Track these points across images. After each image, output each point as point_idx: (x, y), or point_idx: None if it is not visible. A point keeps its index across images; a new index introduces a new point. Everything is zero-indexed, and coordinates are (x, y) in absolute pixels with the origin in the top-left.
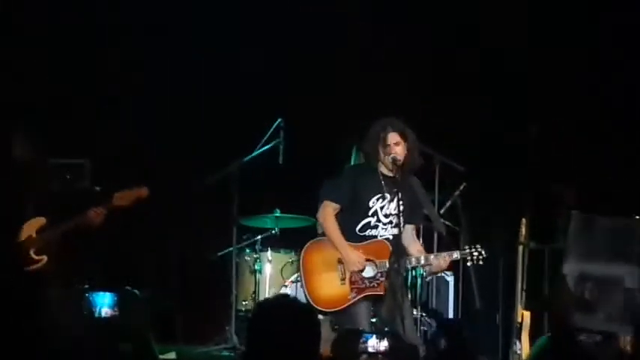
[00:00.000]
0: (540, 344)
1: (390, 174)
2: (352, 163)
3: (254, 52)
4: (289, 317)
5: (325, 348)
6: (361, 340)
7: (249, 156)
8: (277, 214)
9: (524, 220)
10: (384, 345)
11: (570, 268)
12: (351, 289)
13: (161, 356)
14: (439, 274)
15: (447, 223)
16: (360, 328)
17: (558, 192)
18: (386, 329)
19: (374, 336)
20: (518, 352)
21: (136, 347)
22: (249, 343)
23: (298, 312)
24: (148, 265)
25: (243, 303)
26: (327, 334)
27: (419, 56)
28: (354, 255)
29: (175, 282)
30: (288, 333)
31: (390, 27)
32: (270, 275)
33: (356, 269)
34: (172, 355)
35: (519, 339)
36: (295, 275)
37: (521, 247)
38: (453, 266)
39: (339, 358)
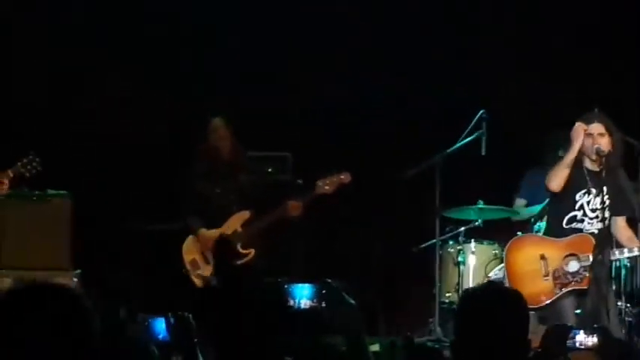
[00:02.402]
0: None
1: (595, 168)
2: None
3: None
4: (497, 301)
5: (532, 340)
6: (570, 335)
7: (452, 148)
8: (480, 206)
9: None
10: (592, 341)
11: None
12: (555, 284)
13: None
14: None
15: None
16: (569, 324)
17: None
18: (595, 325)
19: (582, 331)
20: None
21: (349, 340)
22: (457, 330)
23: (506, 296)
24: (351, 257)
25: (447, 295)
26: (533, 327)
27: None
28: (574, 132)
29: (378, 274)
30: (497, 317)
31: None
32: (474, 267)
33: (579, 133)
34: (376, 347)
35: None
36: (497, 268)
37: None
38: None
39: (548, 352)
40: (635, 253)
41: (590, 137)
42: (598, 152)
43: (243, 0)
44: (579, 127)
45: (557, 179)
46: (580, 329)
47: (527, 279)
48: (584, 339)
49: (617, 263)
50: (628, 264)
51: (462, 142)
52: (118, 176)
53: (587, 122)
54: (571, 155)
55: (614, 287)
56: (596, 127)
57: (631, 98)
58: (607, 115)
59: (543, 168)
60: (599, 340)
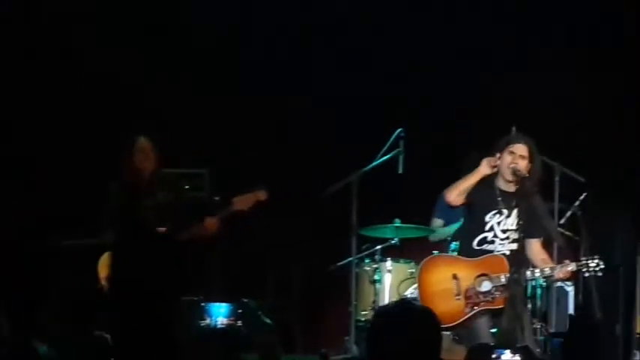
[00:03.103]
0: None
1: (508, 189)
2: None
3: (379, 61)
4: (409, 319)
5: (445, 359)
6: (494, 355)
7: (369, 166)
8: (397, 224)
9: None
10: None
11: None
12: (467, 303)
13: None
14: (559, 284)
15: (567, 233)
16: (484, 342)
17: None
18: (518, 345)
19: (507, 351)
20: None
21: (265, 358)
22: (369, 350)
23: (417, 313)
24: (268, 276)
25: (363, 313)
26: (447, 345)
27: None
28: (484, 161)
29: (295, 292)
30: (408, 335)
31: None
32: (390, 285)
33: (489, 164)
34: None
35: (639, 350)
36: (412, 287)
37: None
38: (573, 277)
39: None
40: (547, 272)
41: (511, 156)
42: (514, 172)
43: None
44: (491, 160)
45: (454, 192)
46: (505, 348)
47: (440, 298)
48: (510, 358)
49: (533, 283)
50: (544, 284)
51: (379, 161)
52: (35, 191)
53: (513, 141)
54: (474, 178)
55: (529, 307)
56: (520, 148)
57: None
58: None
59: None
60: (522, 358)
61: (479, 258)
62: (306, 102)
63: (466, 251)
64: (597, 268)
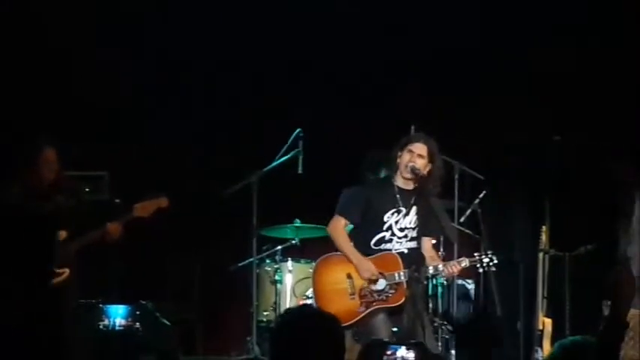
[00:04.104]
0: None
1: (407, 187)
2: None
3: (273, 60)
4: (312, 326)
5: (347, 358)
6: (389, 352)
7: (269, 166)
8: (297, 224)
9: (544, 227)
10: (411, 356)
11: (635, 251)
12: (361, 302)
13: None
14: (460, 282)
15: (467, 231)
16: (386, 339)
17: (621, 171)
18: (412, 341)
19: (402, 347)
20: (540, 359)
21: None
22: (272, 354)
23: (322, 321)
24: (169, 277)
25: (264, 313)
26: (348, 345)
27: (436, 62)
28: (366, 264)
29: (195, 293)
30: (311, 342)
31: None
32: (291, 286)
33: (368, 276)
34: None
35: (540, 346)
36: (310, 290)
37: (541, 254)
38: (474, 274)
39: None
40: (440, 269)
41: (410, 154)
42: (413, 170)
43: None
44: (373, 274)
45: (333, 237)
46: (399, 345)
47: (334, 297)
48: (405, 354)
49: (434, 281)
50: (445, 282)
51: (279, 161)
52: None
53: (412, 140)
54: (348, 254)
55: (430, 305)
56: (419, 147)
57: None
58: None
59: (359, 187)
60: (416, 354)
61: (372, 256)
62: (207, 102)
63: (363, 250)
64: (491, 264)
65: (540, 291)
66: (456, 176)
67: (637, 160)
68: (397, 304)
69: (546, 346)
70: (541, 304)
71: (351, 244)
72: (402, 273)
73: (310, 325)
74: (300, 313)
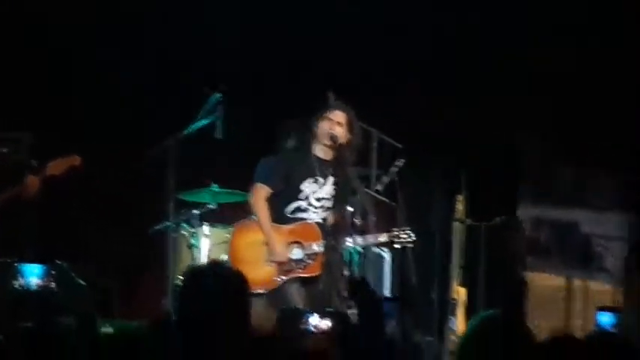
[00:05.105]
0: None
1: (325, 157)
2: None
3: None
4: (216, 281)
5: (262, 326)
6: (302, 319)
7: (187, 130)
8: (215, 189)
9: (460, 196)
10: (326, 324)
11: (526, 212)
12: (278, 270)
13: None
14: (376, 250)
15: (384, 199)
16: (300, 307)
17: (523, 141)
18: (328, 309)
19: (316, 315)
20: (454, 328)
21: (79, 321)
22: (179, 311)
23: (226, 276)
24: (88, 239)
25: (180, 277)
26: (263, 312)
27: (364, 37)
28: (279, 247)
29: (113, 256)
30: (215, 297)
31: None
32: (208, 250)
33: (277, 260)
34: (109, 329)
35: (454, 315)
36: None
37: (457, 224)
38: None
39: (282, 336)
40: (360, 242)
41: (329, 122)
42: (332, 138)
43: None
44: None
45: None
46: (314, 313)
47: (250, 264)
48: (318, 322)
49: (350, 250)
50: (361, 250)
51: (197, 125)
52: None
53: (331, 108)
54: (262, 221)
55: (346, 274)
56: (338, 115)
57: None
58: (350, 105)
59: (277, 156)
60: (332, 323)
61: (291, 225)
62: (128, 65)
63: (279, 218)
64: (409, 240)
65: (455, 260)
66: (374, 144)
67: None
68: (314, 274)
69: (460, 315)
70: (456, 273)
71: (270, 220)
72: (319, 243)
73: (214, 280)
74: (206, 268)
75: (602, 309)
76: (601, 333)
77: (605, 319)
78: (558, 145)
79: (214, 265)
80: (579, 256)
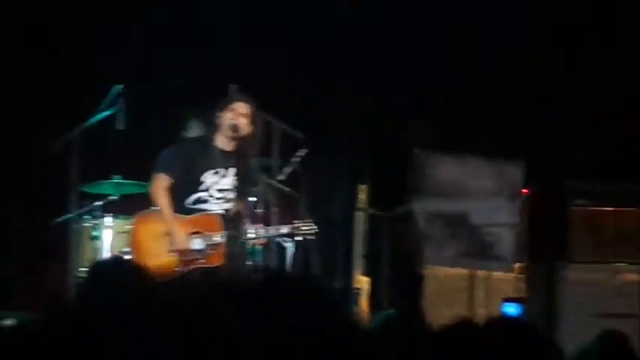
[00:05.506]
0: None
1: (227, 148)
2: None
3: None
4: (119, 276)
5: None
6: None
7: (88, 122)
8: (117, 180)
9: (363, 186)
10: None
11: (419, 206)
12: (179, 261)
13: None
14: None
15: (286, 189)
16: None
17: (413, 129)
18: None
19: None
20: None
21: None
22: (78, 307)
23: (128, 270)
24: None
25: (82, 269)
26: None
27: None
28: (180, 236)
29: (14, 247)
30: (122, 288)
31: None
32: (110, 242)
33: (178, 249)
34: (10, 321)
35: (357, 304)
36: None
37: (360, 213)
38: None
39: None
40: (262, 233)
41: (232, 113)
42: (234, 129)
43: None
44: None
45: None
46: None
47: (152, 254)
48: None
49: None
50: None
51: (98, 117)
52: None
53: (234, 99)
54: (167, 217)
55: (249, 263)
56: (241, 107)
57: None
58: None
59: (178, 145)
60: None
61: (192, 216)
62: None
63: (180, 209)
64: (310, 231)
65: (358, 250)
66: (276, 134)
67: None
68: (215, 264)
69: (363, 305)
70: (359, 262)
71: (171, 209)
72: (221, 234)
73: (116, 274)
74: (107, 263)
75: (508, 300)
76: (501, 318)
77: (511, 310)
78: (441, 135)
79: (116, 259)
80: (473, 246)
